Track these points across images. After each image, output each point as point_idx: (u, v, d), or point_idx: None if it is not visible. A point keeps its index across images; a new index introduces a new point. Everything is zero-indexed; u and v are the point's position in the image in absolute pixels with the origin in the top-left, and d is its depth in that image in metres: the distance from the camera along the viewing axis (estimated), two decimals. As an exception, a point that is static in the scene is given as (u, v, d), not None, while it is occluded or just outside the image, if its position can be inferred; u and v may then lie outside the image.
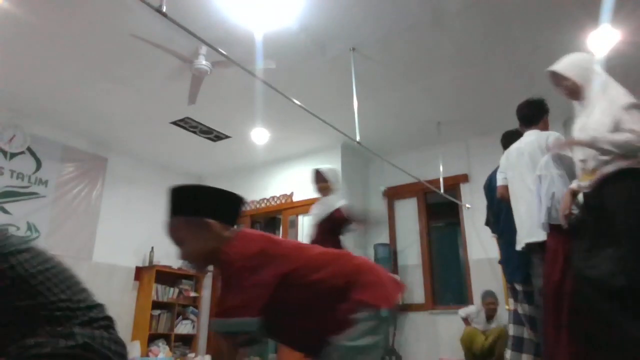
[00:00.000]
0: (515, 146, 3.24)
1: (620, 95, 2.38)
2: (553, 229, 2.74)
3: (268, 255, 1.50)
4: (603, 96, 2.43)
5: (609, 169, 2.26)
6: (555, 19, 3.92)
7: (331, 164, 6.45)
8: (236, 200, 1.74)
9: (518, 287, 3.27)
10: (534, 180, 2.86)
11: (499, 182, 3.40)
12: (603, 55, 4.31)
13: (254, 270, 1.44)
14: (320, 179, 4.07)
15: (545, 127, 3.19)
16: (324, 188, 4.04)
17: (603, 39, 4.08)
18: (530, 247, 2.92)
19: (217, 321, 1.42)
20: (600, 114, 2.38)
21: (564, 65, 2.59)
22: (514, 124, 5.66)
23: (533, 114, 3.19)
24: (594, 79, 2.49)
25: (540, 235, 2.77)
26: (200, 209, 1.59)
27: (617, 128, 2.27)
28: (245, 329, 1.39)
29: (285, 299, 1.45)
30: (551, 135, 3.02)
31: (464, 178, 6.08)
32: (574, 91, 2.57)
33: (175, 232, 1.56)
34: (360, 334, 1.38)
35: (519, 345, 3.18)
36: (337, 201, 3.98)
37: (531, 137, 3.11)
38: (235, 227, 1.68)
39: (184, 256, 1.59)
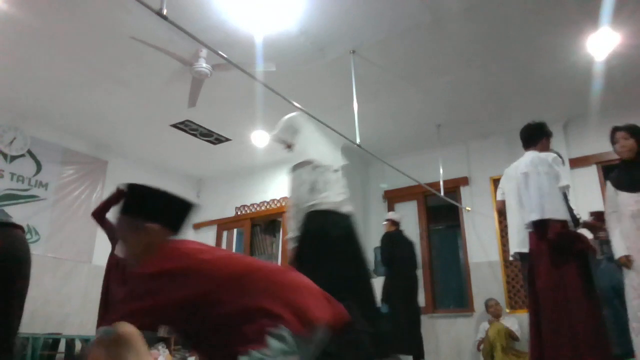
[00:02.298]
0: (514, 165, 3.52)
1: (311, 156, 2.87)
2: (537, 225, 2.89)
3: (185, 274, 1.41)
4: None
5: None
6: (555, 22, 3.92)
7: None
8: (184, 207, 1.66)
9: None
10: (521, 179, 3.11)
11: (498, 197, 3.90)
12: (603, 57, 4.32)
13: (163, 288, 1.36)
14: None
15: (543, 149, 3.38)
16: None
17: (603, 41, 4.08)
18: (520, 255, 3.39)
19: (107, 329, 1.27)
20: None
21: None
22: (514, 126, 5.68)
23: (530, 136, 3.43)
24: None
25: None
26: (143, 212, 1.58)
27: None
28: None
29: (207, 313, 1.39)
30: (550, 156, 3.22)
31: (464, 181, 6.08)
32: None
33: (118, 230, 1.61)
34: (273, 353, 1.32)
35: None
36: None
37: (529, 157, 3.31)
38: (179, 233, 1.62)
39: (124, 254, 1.61)
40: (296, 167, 2.84)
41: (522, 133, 3.48)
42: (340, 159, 3.04)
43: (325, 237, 2.62)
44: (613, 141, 3.16)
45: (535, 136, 3.41)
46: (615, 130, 3.17)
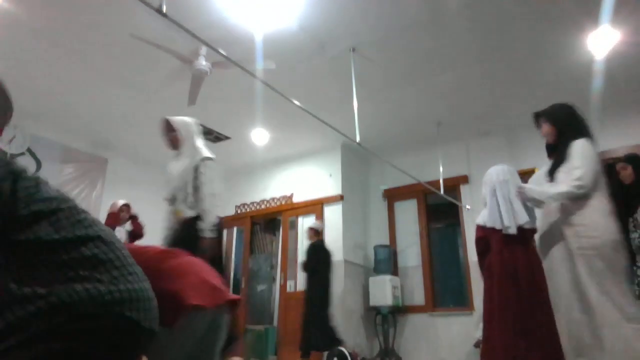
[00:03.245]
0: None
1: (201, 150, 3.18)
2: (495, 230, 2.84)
3: None
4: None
5: (190, 213, 2.98)
6: (555, 20, 3.91)
7: (331, 165, 6.48)
8: None
9: None
10: (501, 184, 2.98)
11: None
12: (603, 55, 4.31)
13: None
14: None
15: None
16: None
17: (603, 39, 4.08)
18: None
19: None
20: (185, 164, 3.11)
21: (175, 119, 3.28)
22: (514, 124, 5.70)
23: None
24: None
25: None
26: None
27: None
28: None
29: None
30: None
31: (464, 179, 6.08)
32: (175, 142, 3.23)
33: None
34: None
35: None
36: None
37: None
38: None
39: None
40: (209, 160, 3.09)
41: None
42: None
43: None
44: (539, 129, 2.97)
45: None
46: (536, 117, 2.98)
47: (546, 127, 2.89)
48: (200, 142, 3.24)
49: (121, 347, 1.07)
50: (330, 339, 5.14)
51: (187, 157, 3.11)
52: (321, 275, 5.42)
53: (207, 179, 3.01)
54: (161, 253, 1.51)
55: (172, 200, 3.07)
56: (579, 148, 2.64)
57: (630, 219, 3.33)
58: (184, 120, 3.29)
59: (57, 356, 0.98)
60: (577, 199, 2.58)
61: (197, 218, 2.95)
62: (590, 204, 2.55)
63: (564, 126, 2.81)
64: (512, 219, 2.79)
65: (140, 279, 1.15)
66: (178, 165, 3.10)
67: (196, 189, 3.01)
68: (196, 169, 3.04)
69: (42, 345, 0.96)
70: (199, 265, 1.56)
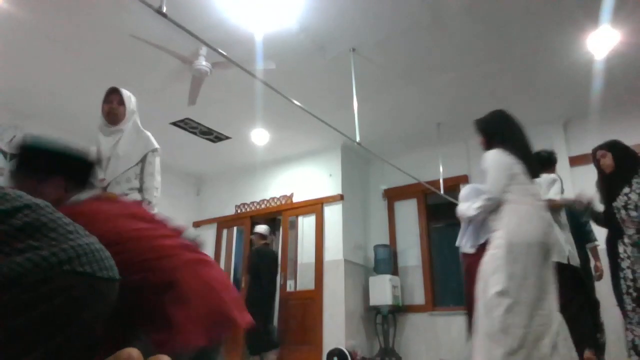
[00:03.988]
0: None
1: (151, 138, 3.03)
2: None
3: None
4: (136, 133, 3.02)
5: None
6: (555, 20, 3.92)
7: (331, 165, 6.48)
8: (81, 158, 1.51)
9: None
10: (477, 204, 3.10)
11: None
12: (603, 55, 4.32)
13: None
14: None
15: (553, 171, 3.81)
16: None
17: (603, 39, 4.08)
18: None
19: None
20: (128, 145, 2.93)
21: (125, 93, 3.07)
22: (514, 124, 5.69)
23: (544, 163, 3.70)
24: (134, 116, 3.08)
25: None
26: (44, 166, 1.44)
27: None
28: None
29: None
30: (549, 176, 3.65)
31: (464, 179, 6.07)
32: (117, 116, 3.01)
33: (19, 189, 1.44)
34: None
35: None
36: None
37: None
38: (86, 190, 1.47)
39: None
40: (157, 152, 2.98)
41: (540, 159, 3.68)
42: None
43: None
44: None
45: (548, 164, 3.72)
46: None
47: (479, 137, 2.96)
48: (143, 131, 3.08)
49: (84, 304, 1.04)
50: (267, 343, 5.32)
51: (129, 138, 2.95)
52: (263, 280, 5.55)
53: (155, 171, 2.91)
54: (195, 262, 1.37)
55: (114, 183, 2.84)
56: (488, 160, 2.72)
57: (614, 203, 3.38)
58: (132, 97, 3.13)
59: (26, 331, 0.94)
60: (495, 207, 2.66)
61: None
62: (510, 208, 2.60)
63: (489, 136, 2.89)
64: (469, 240, 3.03)
65: (82, 236, 1.10)
66: (122, 146, 2.90)
67: (141, 178, 2.88)
68: (144, 158, 2.92)
69: (5, 328, 0.92)
70: (218, 285, 1.41)
